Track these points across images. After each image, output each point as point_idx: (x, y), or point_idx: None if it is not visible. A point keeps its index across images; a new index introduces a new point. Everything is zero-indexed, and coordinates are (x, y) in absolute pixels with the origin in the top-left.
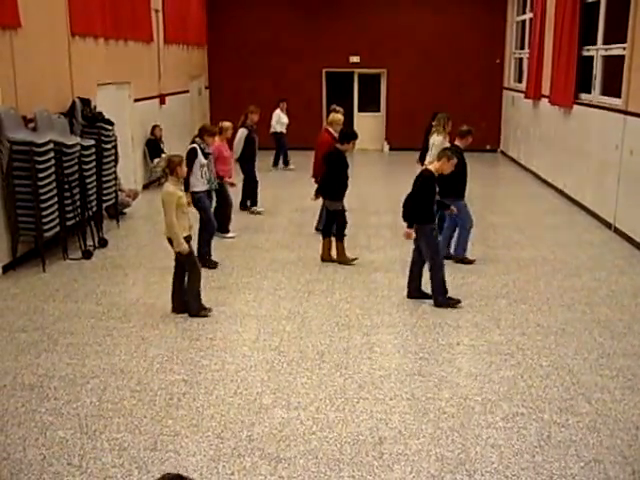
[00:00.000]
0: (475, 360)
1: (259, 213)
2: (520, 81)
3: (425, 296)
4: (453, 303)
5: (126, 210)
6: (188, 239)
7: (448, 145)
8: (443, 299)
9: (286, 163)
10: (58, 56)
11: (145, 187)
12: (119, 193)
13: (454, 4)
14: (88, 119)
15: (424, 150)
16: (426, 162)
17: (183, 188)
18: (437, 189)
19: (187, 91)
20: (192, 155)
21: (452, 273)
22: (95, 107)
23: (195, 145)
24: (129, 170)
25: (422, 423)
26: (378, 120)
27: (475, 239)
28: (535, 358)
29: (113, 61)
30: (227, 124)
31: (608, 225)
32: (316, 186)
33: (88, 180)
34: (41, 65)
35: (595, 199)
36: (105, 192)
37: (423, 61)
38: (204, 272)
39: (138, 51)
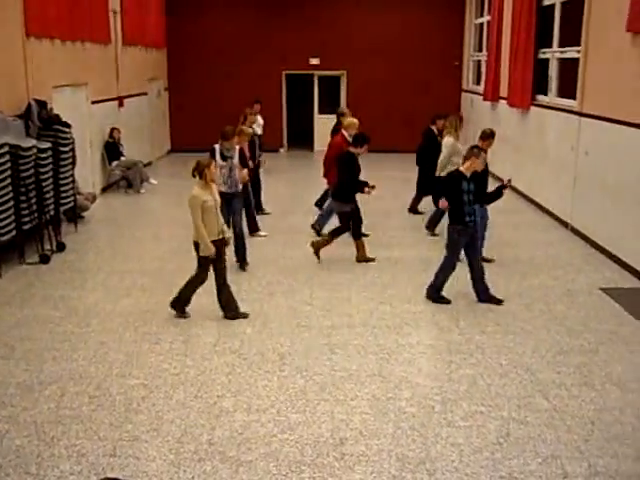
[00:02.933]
0: (435, 360)
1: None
2: (478, 83)
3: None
4: (444, 301)
5: (84, 214)
6: (217, 243)
7: (459, 147)
8: (437, 295)
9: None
10: (13, 57)
11: (104, 190)
12: (77, 196)
13: (413, 7)
14: (44, 121)
15: (421, 152)
16: (439, 162)
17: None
18: (471, 188)
19: (146, 93)
20: (210, 155)
21: (412, 274)
22: (52, 109)
23: (215, 145)
24: (87, 173)
25: (383, 423)
26: None
27: (435, 238)
28: (494, 357)
29: (70, 63)
30: (247, 129)
31: (565, 224)
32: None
33: (45, 183)
34: None
35: (552, 199)
36: (63, 195)
37: (383, 63)
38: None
39: (96, 52)
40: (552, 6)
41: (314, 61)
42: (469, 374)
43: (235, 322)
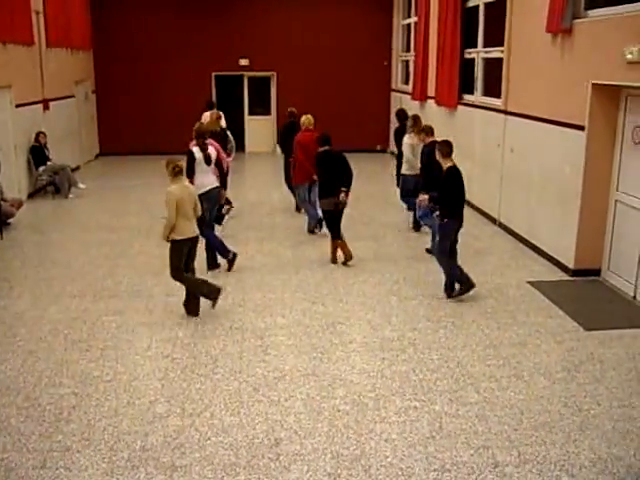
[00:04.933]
0: (368, 357)
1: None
2: (407, 83)
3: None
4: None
5: (10, 220)
6: (196, 240)
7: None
8: (455, 290)
9: None
10: None
11: (30, 196)
12: (2, 203)
13: (342, 7)
14: None
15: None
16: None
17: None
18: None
19: (72, 96)
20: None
21: (344, 273)
22: None
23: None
24: (13, 178)
25: (317, 422)
26: (269, 123)
27: (366, 237)
28: (426, 352)
29: None
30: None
31: (493, 220)
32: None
33: None
34: None
35: (481, 196)
36: None
37: (312, 64)
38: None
39: (18, 54)
40: (476, 7)
41: (243, 62)
42: (402, 370)
43: (167, 326)
